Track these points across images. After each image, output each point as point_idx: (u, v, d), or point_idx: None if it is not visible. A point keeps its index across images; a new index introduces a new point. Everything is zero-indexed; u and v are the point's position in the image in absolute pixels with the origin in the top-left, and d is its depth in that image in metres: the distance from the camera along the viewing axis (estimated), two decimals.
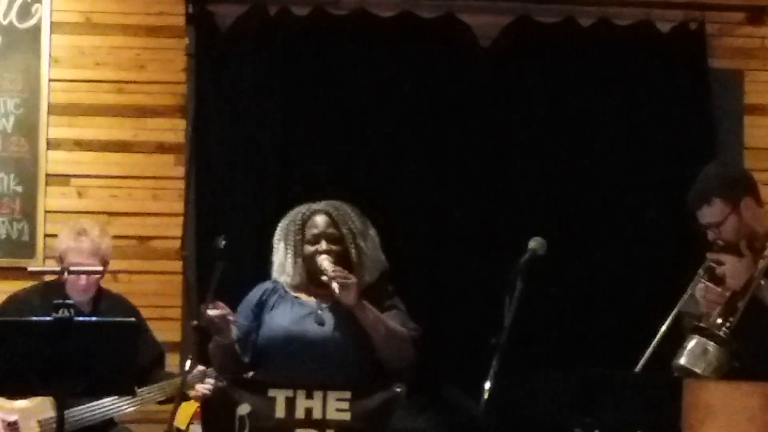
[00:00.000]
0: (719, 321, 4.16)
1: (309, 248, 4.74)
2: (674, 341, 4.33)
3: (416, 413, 2.75)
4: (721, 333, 4.10)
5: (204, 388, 4.63)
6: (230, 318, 4.56)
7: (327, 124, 5.99)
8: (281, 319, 4.70)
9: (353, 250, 4.73)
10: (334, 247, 4.71)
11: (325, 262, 4.68)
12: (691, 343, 4.13)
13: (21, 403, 4.77)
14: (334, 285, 4.59)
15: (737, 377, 3.98)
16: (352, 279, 4.62)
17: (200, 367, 4.72)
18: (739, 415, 3.70)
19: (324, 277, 4.64)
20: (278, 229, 4.83)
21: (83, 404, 4.80)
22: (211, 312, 4.49)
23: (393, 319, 4.69)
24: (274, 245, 4.82)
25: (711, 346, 4.08)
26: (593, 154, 6.04)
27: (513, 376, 4.07)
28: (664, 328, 4.39)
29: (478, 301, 5.70)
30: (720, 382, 3.97)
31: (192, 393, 4.66)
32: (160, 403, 4.93)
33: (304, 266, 4.74)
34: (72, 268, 4.96)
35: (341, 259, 4.70)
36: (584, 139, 6.05)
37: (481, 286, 5.73)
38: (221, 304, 4.54)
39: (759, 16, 6.17)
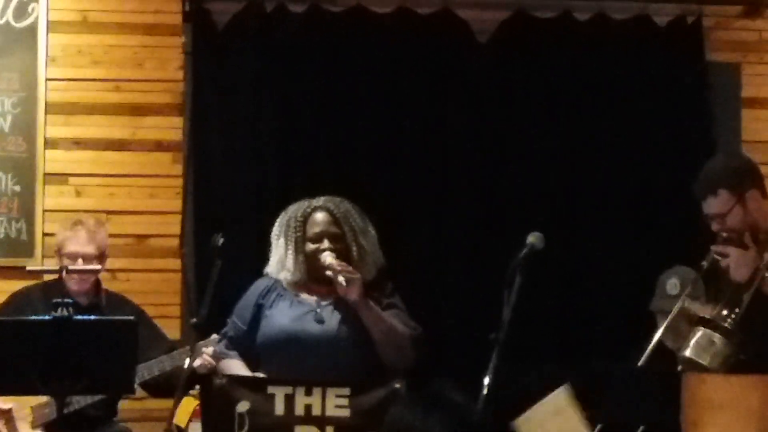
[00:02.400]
0: (724, 313, 4.14)
1: (311, 246, 4.71)
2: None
3: (414, 409, 2.74)
4: (726, 325, 4.09)
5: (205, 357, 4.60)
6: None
7: (325, 120, 5.99)
8: (281, 317, 4.69)
9: (354, 248, 4.71)
10: (336, 246, 4.70)
11: (329, 257, 4.65)
12: (697, 335, 4.10)
13: None
14: (340, 278, 4.57)
15: (743, 370, 3.97)
16: (357, 274, 4.61)
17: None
18: (739, 409, 3.69)
19: (329, 272, 4.61)
20: (277, 224, 4.80)
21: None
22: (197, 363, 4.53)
23: (394, 318, 4.68)
24: (273, 241, 4.79)
25: (717, 338, 4.06)
26: (591, 149, 6.03)
27: (512, 371, 4.06)
28: (666, 321, 4.38)
29: (476, 296, 5.69)
30: (719, 377, 3.95)
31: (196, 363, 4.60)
32: (158, 395, 4.90)
33: (305, 263, 4.72)
34: (70, 267, 4.96)
35: (342, 257, 4.68)
36: (582, 134, 6.05)
37: (479, 281, 5.73)
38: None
39: (756, 9, 6.16)
